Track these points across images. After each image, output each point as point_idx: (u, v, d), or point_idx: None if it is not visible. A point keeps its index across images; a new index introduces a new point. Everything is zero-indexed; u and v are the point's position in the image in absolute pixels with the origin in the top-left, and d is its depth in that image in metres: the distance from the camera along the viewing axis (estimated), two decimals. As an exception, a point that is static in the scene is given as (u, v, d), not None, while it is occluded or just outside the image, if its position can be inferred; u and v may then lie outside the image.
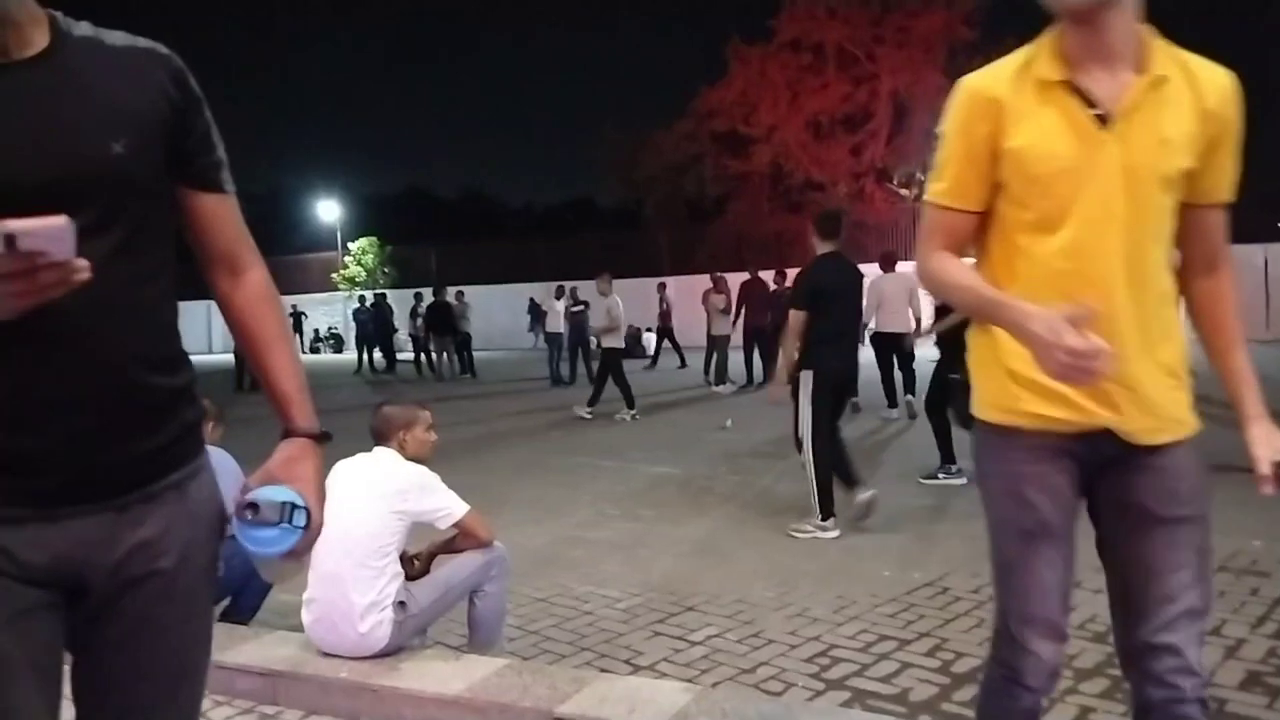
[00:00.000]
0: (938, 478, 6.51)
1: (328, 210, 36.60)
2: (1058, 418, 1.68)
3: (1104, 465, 1.73)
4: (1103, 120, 1.62)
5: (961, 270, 1.76)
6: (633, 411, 10.82)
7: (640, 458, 8.12)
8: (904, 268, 9.85)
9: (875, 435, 8.97)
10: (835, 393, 5.40)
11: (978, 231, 1.79)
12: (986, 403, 1.81)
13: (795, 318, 5.34)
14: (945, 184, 1.77)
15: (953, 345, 6.09)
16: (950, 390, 6.17)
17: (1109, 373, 1.48)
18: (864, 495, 5.37)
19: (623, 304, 11.73)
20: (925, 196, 1.82)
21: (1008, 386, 1.73)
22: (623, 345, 11.50)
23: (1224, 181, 1.74)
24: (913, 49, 26.90)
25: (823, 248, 5.48)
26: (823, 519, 5.27)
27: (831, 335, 5.32)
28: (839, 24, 27.60)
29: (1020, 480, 1.75)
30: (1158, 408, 1.68)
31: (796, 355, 5.32)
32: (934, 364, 6.73)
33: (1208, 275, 1.80)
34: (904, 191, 27.49)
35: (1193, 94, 1.65)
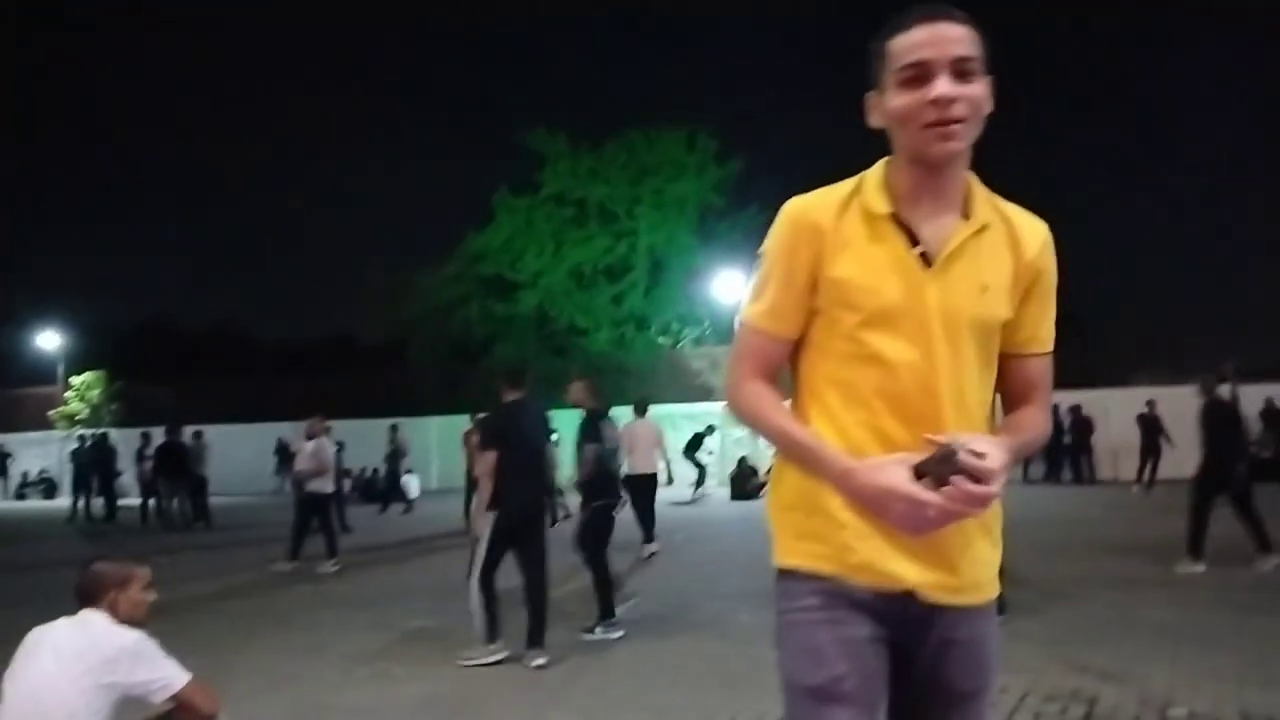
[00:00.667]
0: (594, 632, 6.27)
1: (48, 341, 33.20)
2: (885, 571, 1.55)
3: (908, 627, 1.60)
4: (926, 260, 1.57)
5: (776, 408, 1.66)
6: (333, 562, 10.24)
7: (395, 610, 7.67)
8: (654, 412, 10.83)
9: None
10: (516, 530, 5.69)
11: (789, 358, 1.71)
12: (788, 547, 1.65)
13: (485, 459, 5.68)
14: (764, 306, 1.68)
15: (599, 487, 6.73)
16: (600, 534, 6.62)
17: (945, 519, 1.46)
18: (495, 653, 5.65)
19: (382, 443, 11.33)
20: (741, 317, 1.72)
21: (829, 532, 1.59)
22: (331, 490, 10.98)
23: (1041, 332, 1.71)
24: (667, 209, 28.85)
25: (509, 395, 5.96)
26: (488, 642, 5.61)
27: (512, 475, 5.66)
28: (601, 183, 29.27)
29: (815, 631, 1.58)
30: (971, 567, 1.60)
31: (488, 495, 5.70)
32: (590, 509, 6.78)
33: (1018, 406, 1.74)
34: (661, 340, 28.89)
35: (1011, 244, 1.64)
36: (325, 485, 10.66)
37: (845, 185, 1.66)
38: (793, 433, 1.61)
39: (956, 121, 1.50)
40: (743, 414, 1.69)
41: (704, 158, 28.89)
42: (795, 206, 1.66)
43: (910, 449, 1.53)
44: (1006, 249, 1.64)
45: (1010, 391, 1.74)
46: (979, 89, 1.53)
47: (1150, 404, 16.81)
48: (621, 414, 8.52)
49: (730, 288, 24.65)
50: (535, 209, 29.37)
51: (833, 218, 1.62)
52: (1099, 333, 29.74)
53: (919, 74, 1.51)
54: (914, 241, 1.58)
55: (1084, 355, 23.45)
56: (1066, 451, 19.08)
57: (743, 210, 28.08)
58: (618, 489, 6.98)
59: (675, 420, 18.73)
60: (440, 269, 30.48)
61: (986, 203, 1.64)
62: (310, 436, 10.91)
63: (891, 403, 1.58)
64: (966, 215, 1.61)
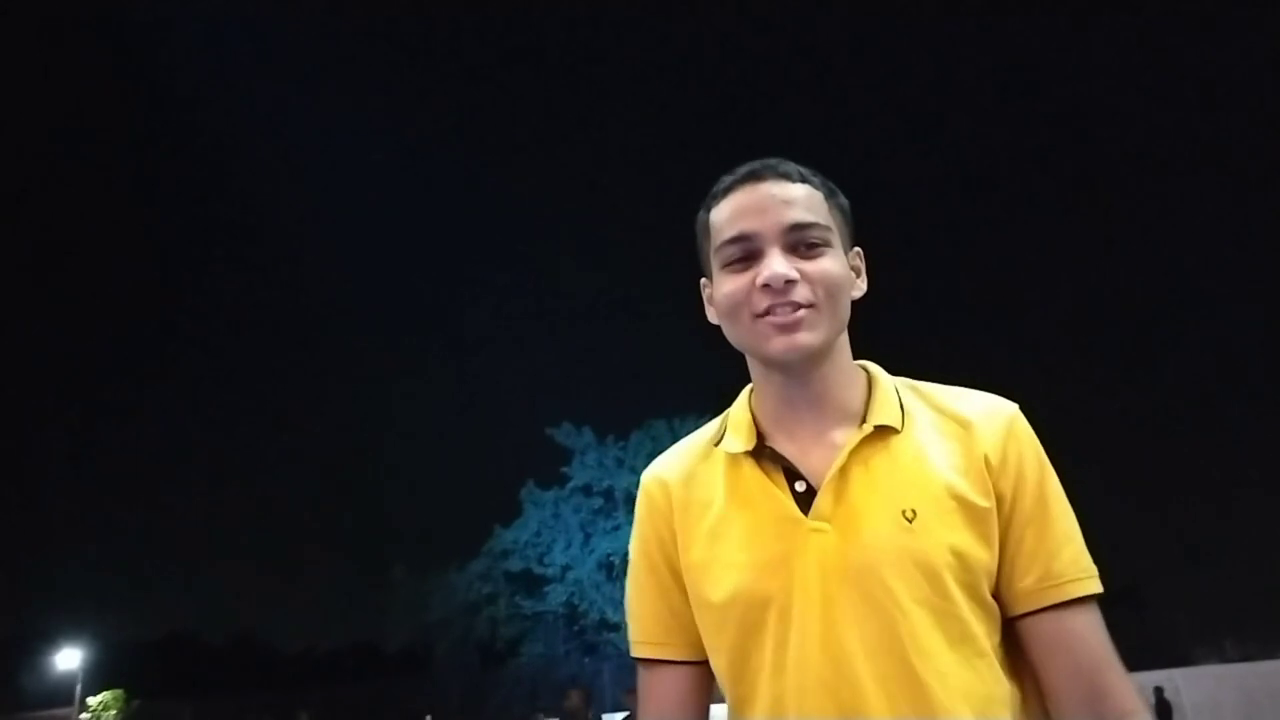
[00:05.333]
0: None
1: (67, 659, 32.36)
2: None
3: None
4: (810, 499, 1.11)
5: None
6: None
7: None
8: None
9: None
10: None
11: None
12: None
13: None
14: (637, 625, 1.25)
15: None
16: None
17: None
18: None
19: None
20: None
21: None
22: None
23: (1050, 564, 1.10)
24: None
25: None
26: None
27: None
28: (628, 472, 29.57)
29: None
30: None
31: None
32: None
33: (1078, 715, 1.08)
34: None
35: (955, 437, 1.15)
36: None
37: (710, 427, 1.27)
38: None
39: (798, 308, 1.11)
40: None
41: (728, 442, 29.39)
42: (646, 475, 1.27)
43: None
44: (949, 446, 1.14)
45: (1051, 676, 1.08)
46: (830, 263, 1.14)
47: (1158, 690, 15.39)
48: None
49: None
50: (563, 501, 29.49)
51: (684, 479, 1.23)
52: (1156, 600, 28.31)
53: (745, 251, 1.15)
54: (792, 478, 1.14)
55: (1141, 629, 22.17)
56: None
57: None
58: None
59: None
60: (466, 566, 30.16)
61: (894, 397, 1.19)
62: None
63: None
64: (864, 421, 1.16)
